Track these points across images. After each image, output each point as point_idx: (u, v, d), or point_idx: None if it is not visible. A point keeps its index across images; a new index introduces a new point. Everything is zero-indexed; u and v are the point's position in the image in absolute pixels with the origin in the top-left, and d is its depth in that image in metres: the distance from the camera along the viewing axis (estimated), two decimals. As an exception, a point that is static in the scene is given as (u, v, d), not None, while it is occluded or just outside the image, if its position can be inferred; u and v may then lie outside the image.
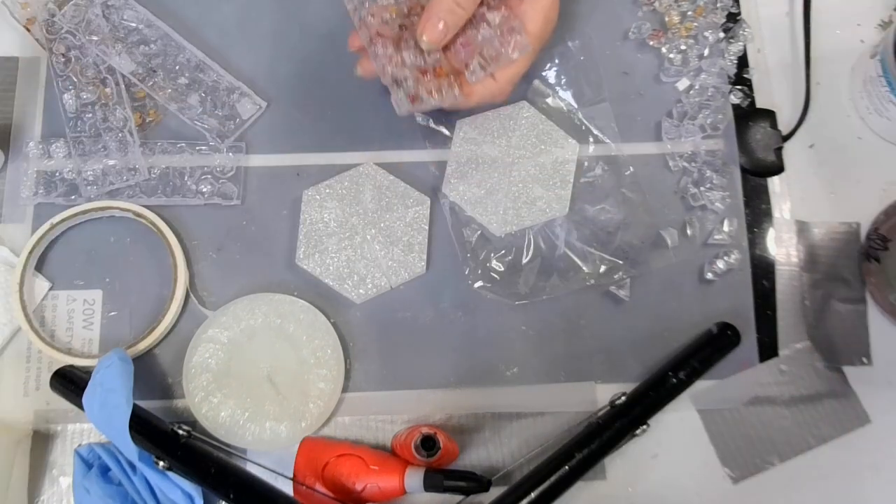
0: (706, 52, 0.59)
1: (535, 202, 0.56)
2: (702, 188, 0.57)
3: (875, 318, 0.56)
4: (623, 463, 0.53)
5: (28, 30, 0.59)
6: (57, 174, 0.57)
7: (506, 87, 0.51)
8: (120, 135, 0.57)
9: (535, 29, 0.50)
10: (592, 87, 0.59)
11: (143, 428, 0.48)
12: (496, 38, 0.49)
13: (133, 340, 0.54)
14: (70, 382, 0.51)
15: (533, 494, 0.47)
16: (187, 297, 0.55)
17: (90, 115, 0.57)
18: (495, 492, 0.49)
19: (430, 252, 0.56)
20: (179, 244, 0.55)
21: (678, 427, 0.54)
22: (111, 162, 0.56)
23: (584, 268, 0.55)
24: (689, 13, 0.60)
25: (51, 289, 0.56)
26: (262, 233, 0.57)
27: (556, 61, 0.59)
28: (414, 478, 0.48)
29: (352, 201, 0.56)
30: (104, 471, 0.50)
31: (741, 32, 0.60)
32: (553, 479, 0.48)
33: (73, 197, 0.56)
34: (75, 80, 0.58)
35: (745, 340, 0.54)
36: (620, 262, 0.55)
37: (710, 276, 0.56)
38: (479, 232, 0.56)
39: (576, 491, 0.49)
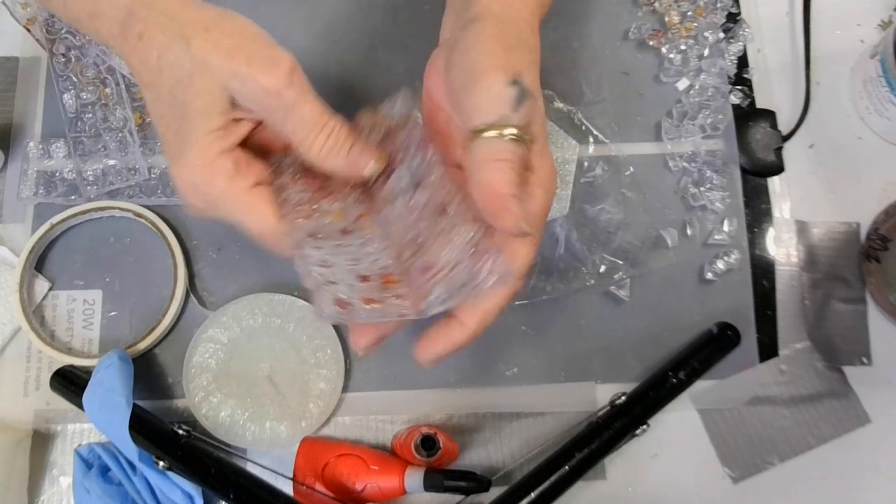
0: (706, 52, 0.59)
1: (535, 202, 0.56)
2: (702, 188, 0.57)
3: (875, 318, 0.56)
4: (623, 463, 0.53)
5: (28, 30, 0.59)
6: (57, 174, 0.57)
7: (477, 331, 0.37)
8: (120, 135, 0.57)
9: (538, 210, 0.37)
10: (592, 87, 0.59)
11: (143, 428, 0.48)
12: (466, 260, 0.36)
13: (133, 340, 0.54)
14: (70, 382, 0.51)
15: (533, 494, 0.47)
16: (187, 297, 0.55)
17: (90, 115, 0.57)
18: (495, 492, 0.49)
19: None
20: (179, 244, 0.55)
21: (678, 427, 0.54)
22: (111, 162, 0.56)
23: (584, 268, 0.55)
24: (689, 13, 0.60)
25: (51, 289, 0.56)
26: (262, 233, 0.57)
27: (557, 62, 0.59)
28: (414, 478, 0.48)
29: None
30: (104, 471, 0.50)
31: (741, 32, 0.60)
32: (553, 479, 0.48)
33: (73, 197, 0.56)
34: (75, 80, 0.58)
35: (745, 340, 0.54)
36: (620, 262, 0.55)
37: (710, 276, 0.56)
38: (479, 232, 0.56)
39: (576, 491, 0.49)
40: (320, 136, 0.38)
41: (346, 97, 0.59)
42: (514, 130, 0.35)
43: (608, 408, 0.51)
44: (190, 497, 0.50)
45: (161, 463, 0.48)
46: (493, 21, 0.38)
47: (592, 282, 0.55)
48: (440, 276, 0.36)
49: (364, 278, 0.37)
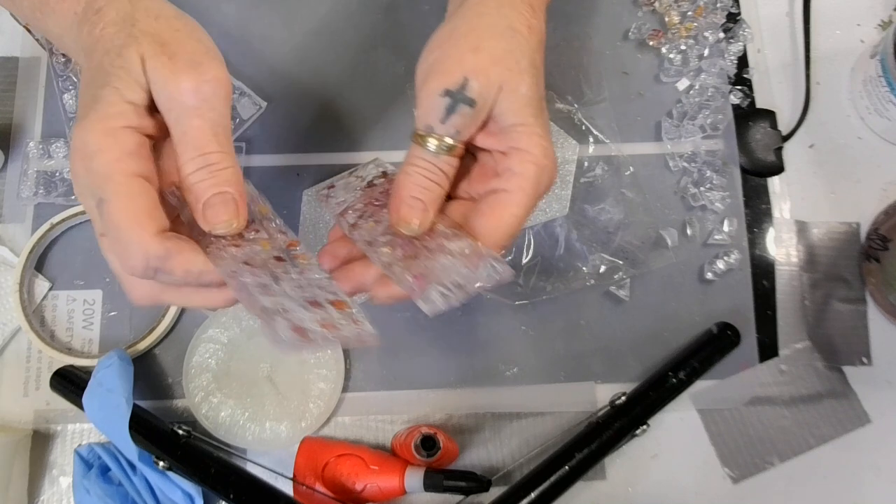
0: (706, 52, 0.59)
1: (535, 202, 0.56)
2: (702, 188, 0.57)
3: (875, 318, 0.56)
4: (623, 463, 0.53)
5: (28, 30, 0.59)
6: (57, 174, 0.57)
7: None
8: (120, 135, 0.57)
9: (525, 185, 0.38)
10: (592, 87, 0.59)
11: (143, 428, 0.48)
12: (461, 264, 0.38)
13: (133, 340, 0.54)
14: (70, 382, 0.51)
15: (533, 494, 0.47)
16: (187, 297, 0.55)
17: (90, 115, 0.57)
18: (495, 492, 0.49)
19: (430, 252, 0.56)
20: (179, 244, 0.55)
21: (678, 427, 0.54)
22: (111, 162, 0.56)
23: (584, 268, 0.55)
24: (689, 13, 0.60)
25: (51, 289, 0.56)
26: (262, 233, 0.57)
27: (557, 62, 0.59)
28: (414, 478, 0.48)
29: (352, 201, 0.56)
30: (104, 471, 0.50)
31: (741, 32, 0.60)
32: (553, 479, 0.48)
33: (73, 197, 0.56)
34: (75, 80, 0.58)
35: (745, 340, 0.54)
36: (620, 262, 0.55)
37: (710, 276, 0.56)
38: (479, 232, 0.56)
39: (576, 491, 0.49)
40: (196, 160, 0.36)
41: (345, 97, 0.59)
42: (434, 141, 0.38)
43: (608, 408, 0.51)
44: (190, 497, 0.50)
45: (161, 463, 0.48)
46: (479, 8, 0.39)
47: (592, 282, 0.55)
48: (435, 278, 0.37)
49: (314, 304, 0.36)
